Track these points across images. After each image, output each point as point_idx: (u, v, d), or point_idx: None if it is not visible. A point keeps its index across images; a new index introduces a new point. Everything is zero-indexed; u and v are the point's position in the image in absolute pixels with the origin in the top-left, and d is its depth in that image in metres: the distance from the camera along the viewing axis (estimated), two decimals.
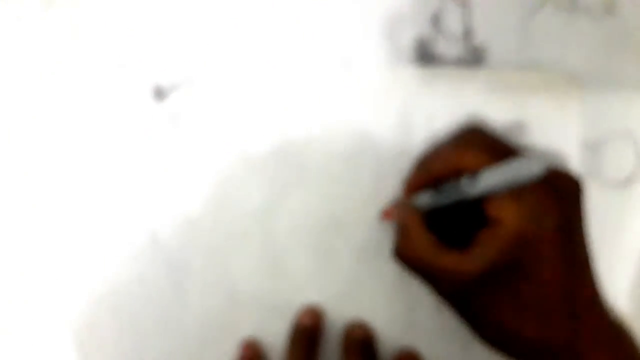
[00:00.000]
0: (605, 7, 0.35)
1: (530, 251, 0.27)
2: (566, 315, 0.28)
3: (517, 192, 0.27)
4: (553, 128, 0.35)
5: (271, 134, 0.35)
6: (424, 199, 0.30)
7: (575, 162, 0.35)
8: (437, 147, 0.32)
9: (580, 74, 0.35)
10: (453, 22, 0.35)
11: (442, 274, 0.28)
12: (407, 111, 0.35)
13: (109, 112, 0.35)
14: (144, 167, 0.35)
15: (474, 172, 0.28)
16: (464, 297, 0.29)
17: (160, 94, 0.35)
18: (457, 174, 0.29)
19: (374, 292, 0.35)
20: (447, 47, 0.35)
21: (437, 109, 0.35)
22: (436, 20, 0.35)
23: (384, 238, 0.35)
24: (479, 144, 0.29)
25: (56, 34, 0.35)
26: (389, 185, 0.35)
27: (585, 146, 0.35)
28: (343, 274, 0.35)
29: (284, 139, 0.35)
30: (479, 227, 0.28)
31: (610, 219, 0.36)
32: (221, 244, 0.35)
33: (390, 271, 0.35)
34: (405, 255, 0.30)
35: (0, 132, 0.35)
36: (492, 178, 0.27)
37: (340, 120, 0.35)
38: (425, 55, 0.35)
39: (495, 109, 0.35)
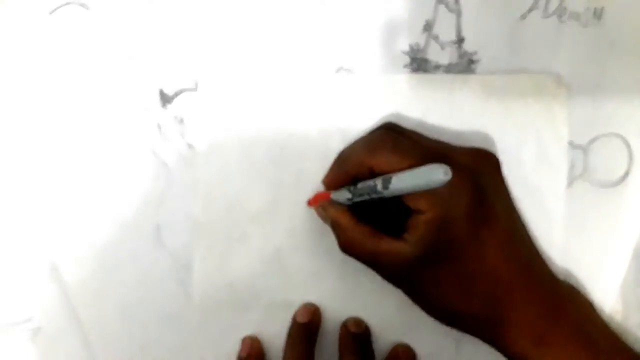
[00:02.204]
0: (593, 13, 0.36)
1: (450, 233, 0.29)
2: (494, 285, 0.30)
3: None
4: (542, 130, 0.36)
5: (270, 138, 0.35)
6: (343, 195, 0.32)
7: (564, 163, 0.36)
8: (352, 147, 0.34)
9: (568, 78, 0.36)
10: (445, 29, 0.35)
11: (381, 258, 0.31)
12: (400, 116, 0.35)
13: (117, 114, 0.36)
14: (150, 167, 0.36)
15: (385, 173, 0.30)
16: (405, 278, 0.32)
17: (165, 98, 0.36)
18: (370, 172, 0.31)
19: (370, 289, 0.36)
20: (439, 54, 0.36)
21: (429, 114, 0.35)
22: (428, 28, 0.35)
23: None
24: (389, 145, 0.31)
25: (64, 39, 0.35)
26: None
27: (575, 148, 0.36)
28: (340, 272, 0.36)
29: (282, 143, 0.35)
30: (409, 213, 0.30)
31: (601, 219, 0.36)
32: (222, 244, 0.36)
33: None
34: (347, 248, 0.32)
35: (12, 134, 0.35)
36: (402, 183, 0.28)
37: (336, 125, 0.35)
38: (417, 62, 0.36)
39: (486, 113, 0.35)
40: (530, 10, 0.35)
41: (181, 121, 0.36)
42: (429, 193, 0.29)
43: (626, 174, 0.36)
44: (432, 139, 0.33)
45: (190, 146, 0.36)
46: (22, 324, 0.36)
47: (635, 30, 0.36)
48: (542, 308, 0.31)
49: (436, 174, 0.26)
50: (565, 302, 0.33)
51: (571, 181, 0.36)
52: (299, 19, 0.35)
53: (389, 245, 0.30)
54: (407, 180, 0.28)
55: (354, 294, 0.36)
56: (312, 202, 0.35)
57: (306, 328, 0.35)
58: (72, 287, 0.36)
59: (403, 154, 0.30)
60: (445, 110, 0.35)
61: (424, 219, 0.29)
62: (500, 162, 0.33)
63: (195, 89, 0.35)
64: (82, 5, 0.35)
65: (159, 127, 0.36)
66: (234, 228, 0.36)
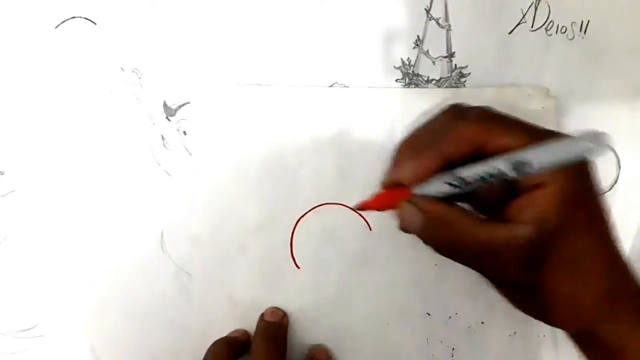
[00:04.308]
0: (579, 27, 0.36)
1: (576, 203, 0.26)
2: (609, 266, 0.27)
3: None
4: None
5: (265, 150, 0.36)
6: (437, 187, 0.27)
7: None
8: (443, 127, 0.28)
9: (556, 90, 0.37)
10: (435, 44, 0.36)
11: (498, 247, 0.26)
12: (392, 129, 0.36)
13: (122, 126, 0.36)
14: (154, 177, 0.36)
15: (500, 151, 0.25)
16: (525, 269, 0.27)
17: (169, 110, 0.36)
18: (474, 153, 0.26)
19: (364, 299, 0.36)
20: (430, 68, 0.36)
21: None
22: (420, 43, 0.36)
23: (374, 248, 0.36)
24: (506, 120, 0.27)
25: (70, 52, 0.36)
26: None
27: None
28: (335, 283, 0.36)
29: (277, 155, 0.36)
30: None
31: None
32: (221, 255, 0.36)
33: (380, 279, 0.36)
34: (451, 245, 0.27)
35: (19, 145, 0.36)
36: (543, 158, 0.24)
37: (330, 138, 0.36)
38: (409, 76, 0.36)
39: None
40: (518, 24, 0.36)
41: (184, 133, 0.36)
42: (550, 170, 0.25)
43: (615, 181, 0.37)
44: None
45: (192, 157, 0.36)
46: (27, 331, 0.37)
47: (619, 43, 0.37)
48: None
49: (581, 146, 0.23)
50: None
51: None
52: (294, 36, 0.36)
53: (506, 231, 0.26)
54: (547, 155, 0.24)
55: (348, 303, 0.37)
56: (370, 204, 0.29)
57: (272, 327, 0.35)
58: (77, 294, 0.37)
59: (521, 126, 0.26)
60: None
61: (549, 191, 0.25)
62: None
63: (196, 102, 0.36)
64: (87, 19, 0.36)
65: (163, 138, 0.36)
66: (232, 240, 0.36)
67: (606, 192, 0.37)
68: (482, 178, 0.26)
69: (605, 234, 0.27)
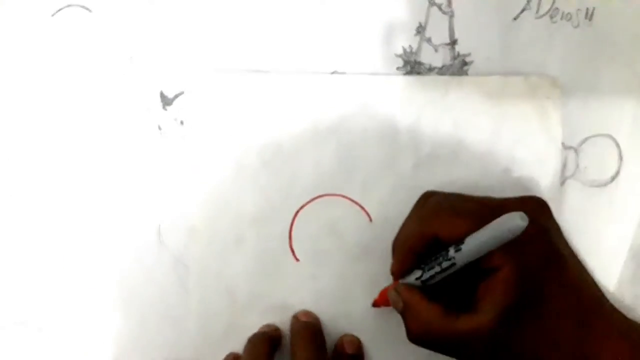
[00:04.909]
0: (585, 14, 0.36)
1: (531, 281, 0.28)
2: (576, 325, 0.29)
3: None
4: (535, 131, 0.36)
5: (263, 140, 0.36)
6: (413, 276, 0.31)
7: (557, 163, 0.36)
8: (406, 226, 0.33)
9: (561, 79, 0.36)
10: (438, 31, 0.36)
11: (461, 339, 0.29)
12: (394, 118, 0.36)
13: (118, 116, 0.36)
14: (151, 168, 0.36)
15: (450, 239, 0.29)
16: (490, 351, 0.29)
17: (166, 100, 0.36)
18: (434, 245, 0.30)
19: (365, 293, 0.36)
20: (432, 56, 0.36)
21: (423, 116, 0.36)
22: (421, 30, 0.36)
23: (374, 240, 0.36)
24: (447, 209, 0.30)
25: (66, 41, 0.35)
26: (377, 191, 0.36)
27: (568, 147, 0.36)
28: (335, 276, 0.36)
29: (275, 145, 0.36)
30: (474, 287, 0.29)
31: (593, 219, 0.37)
32: (218, 247, 0.36)
33: (381, 272, 0.36)
34: (421, 335, 0.30)
35: (13, 136, 0.36)
36: (477, 241, 0.27)
37: (330, 128, 0.36)
38: (411, 64, 0.36)
39: (480, 115, 0.36)
40: (522, 11, 0.36)
41: (181, 123, 0.36)
42: (501, 247, 0.27)
43: (616, 173, 0.37)
44: (477, 196, 0.32)
45: (190, 147, 0.36)
46: (23, 323, 0.36)
47: (626, 31, 0.36)
48: (620, 341, 0.30)
49: (514, 223, 0.25)
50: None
51: (563, 181, 0.37)
52: (293, 22, 0.36)
53: (467, 323, 0.28)
54: (483, 238, 0.27)
55: (349, 297, 0.36)
56: (379, 300, 0.35)
57: (312, 327, 0.35)
58: (73, 287, 0.36)
59: (463, 213, 0.29)
60: (440, 112, 0.36)
61: (502, 276, 0.28)
62: (549, 206, 0.32)
63: (194, 90, 0.36)
64: (84, 7, 0.35)
65: (160, 128, 0.36)
66: (230, 232, 0.36)
67: (608, 184, 0.37)
68: (441, 271, 0.29)
69: (573, 289, 0.30)
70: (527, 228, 0.26)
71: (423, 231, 0.30)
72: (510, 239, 0.26)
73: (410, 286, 0.31)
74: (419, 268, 0.31)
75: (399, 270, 0.32)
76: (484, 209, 0.30)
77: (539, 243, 0.29)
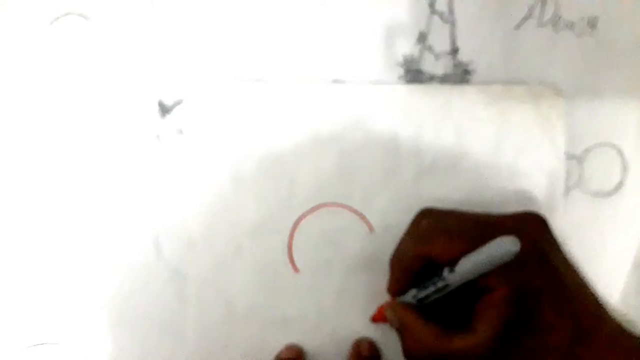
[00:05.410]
0: (587, 22, 0.36)
1: (526, 301, 0.28)
2: (573, 342, 0.29)
3: None
4: (538, 141, 0.36)
5: (263, 149, 0.35)
6: (409, 295, 0.31)
7: (560, 172, 0.36)
8: (401, 246, 0.33)
9: (564, 87, 0.36)
10: (439, 39, 0.35)
11: (458, 357, 0.28)
12: (395, 128, 0.35)
13: (116, 124, 0.36)
14: (149, 177, 0.36)
15: (443, 259, 0.29)
16: None
17: (164, 109, 0.36)
18: (429, 265, 0.30)
19: (366, 303, 0.36)
20: (433, 65, 0.36)
21: (425, 125, 0.35)
22: (423, 39, 0.36)
23: (374, 251, 0.35)
24: (441, 229, 0.30)
25: (65, 49, 0.35)
26: (378, 201, 0.35)
27: (571, 157, 0.36)
28: (335, 286, 0.36)
29: (275, 155, 0.35)
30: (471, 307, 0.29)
31: (596, 228, 0.36)
32: (217, 258, 0.36)
33: (382, 283, 0.35)
34: (415, 353, 0.30)
35: (12, 143, 0.36)
36: (470, 263, 0.28)
37: (331, 137, 0.35)
38: (412, 73, 0.36)
39: (482, 124, 0.36)
40: (524, 19, 0.36)
41: (180, 132, 0.36)
42: (497, 267, 0.28)
43: (620, 183, 0.36)
44: (474, 213, 0.32)
45: (188, 156, 0.36)
46: (17, 337, 0.36)
47: (629, 39, 0.36)
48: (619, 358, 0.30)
49: (505, 248, 0.25)
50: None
51: (567, 191, 0.36)
52: (294, 30, 0.36)
53: (462, 343, 0.28)
54: (476, 260, 0.27)
55: (349, 307, 0.36)
56: (376, 317, 0.35)
57: None
58: (70, 299, 0.36)
59: (457, 234, 0.29)
60: (441, 121, 0.35)
61: (497, 297, 0.28)
62: (547, 221, 0.32)
63: (193, 99, 0.36)
64: (82, 15, 0.35)
65: (158, 137, 0.36)
66: (229, 242, 0.36)
67: (612, 194, 0.36)
68: (435, 291, 0.30)
69: (570, 306, 0.29)
70: (523, 247, 0.26)
71: (417, 252, 0.31)
72: (502, 263, 0.26)
73: (406, 304, 0.31)
74: (415, 286, 0.31)
75: (395, 289, 0.33)
76: (479, 228, 0.30)
77: (535, 262, 0.29)
